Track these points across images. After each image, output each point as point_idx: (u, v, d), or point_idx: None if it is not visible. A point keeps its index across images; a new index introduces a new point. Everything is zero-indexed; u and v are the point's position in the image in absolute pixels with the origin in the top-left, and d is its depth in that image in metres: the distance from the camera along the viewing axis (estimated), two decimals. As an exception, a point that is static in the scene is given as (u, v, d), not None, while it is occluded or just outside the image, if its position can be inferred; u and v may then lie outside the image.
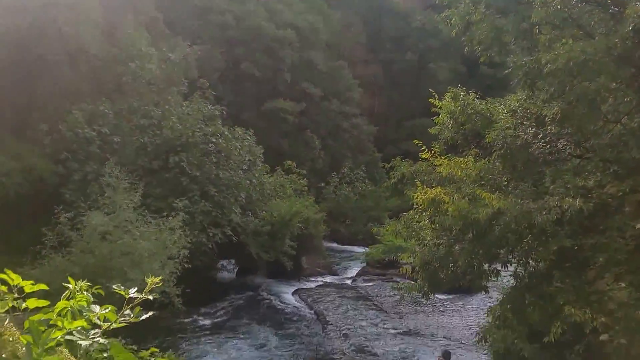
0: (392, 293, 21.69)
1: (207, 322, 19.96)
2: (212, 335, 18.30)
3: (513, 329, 10.64)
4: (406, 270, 11.96)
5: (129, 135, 22.33)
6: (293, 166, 34.47)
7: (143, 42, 24.82)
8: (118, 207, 16.65)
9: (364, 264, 30.45)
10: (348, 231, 40.12)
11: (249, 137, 26.66)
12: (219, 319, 20.31)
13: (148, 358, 3.10)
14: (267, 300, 22.83)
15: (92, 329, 2.18)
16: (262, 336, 18.31)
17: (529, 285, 10.54)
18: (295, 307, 22.22)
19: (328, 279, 28.40)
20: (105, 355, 2.10)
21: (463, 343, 17.63)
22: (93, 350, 2.10)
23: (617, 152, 10.05)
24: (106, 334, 2.17)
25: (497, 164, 11.08)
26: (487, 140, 11.04)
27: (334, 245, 37.67)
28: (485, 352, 12.53)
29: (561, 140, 10.55)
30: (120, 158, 20.98)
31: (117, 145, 21.56)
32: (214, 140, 23.68)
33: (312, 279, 28.11)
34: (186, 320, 19.42)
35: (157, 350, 3.10)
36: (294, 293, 24.74)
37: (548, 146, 10.56)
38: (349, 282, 27.90)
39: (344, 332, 18.47)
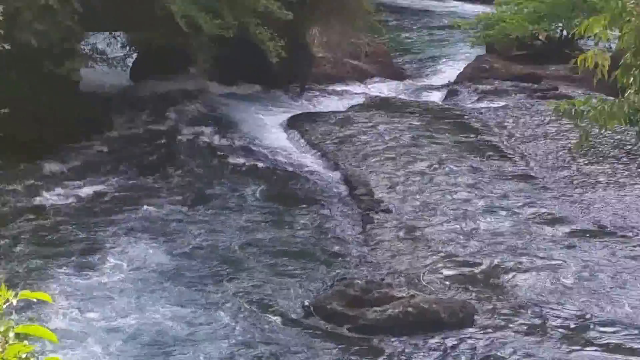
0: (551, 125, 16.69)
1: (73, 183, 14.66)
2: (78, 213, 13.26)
3: None
4: (591, 63, 7.79)
5: None
6: None
7: None
8: None
9: (478, 49, 23.00)
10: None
11: None
12: (97, 177, 14.91)
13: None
14: (213, 143, 16.34)
15: None
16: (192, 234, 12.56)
17: None
18: (290, 161, 16.30)
19: (383, 88, 19.92)
20: None
21: None
22: None
23: None
24: None
25: None
26: None
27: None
28: None
29: None
30: None
31: None
32: None
33: (339, 87, 19.78)
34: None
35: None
36: (288, 126, 18.04)
37: None
38: (436, 98, 20.43)
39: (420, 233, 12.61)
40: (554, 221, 12.61)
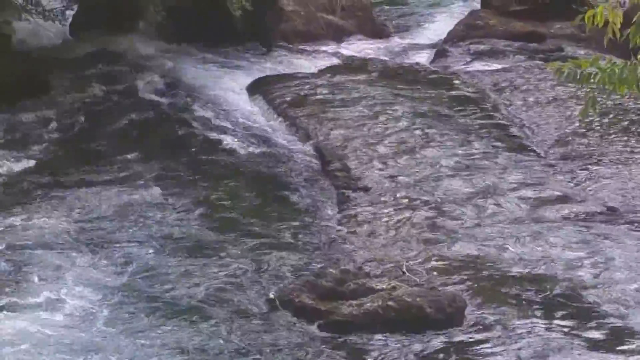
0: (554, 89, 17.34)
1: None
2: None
3: None
4: (601, 21, 7.88)
5: None
6: None
7: None
8: None
9: (471, 3, 24.24)
10: None
11: None
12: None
13: None
14: (164, 110, 16.99)
15: None
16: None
17: None
18: (255, 131, 16.45)
19: (362, 47, 20.93)
20: None
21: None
22: None
23: None
24: None
25: None
26: None
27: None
28: None
29: None
30: None
31: None
32: None
33: (311, 46, 20.63)
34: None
35: None
36: (252, 90, 18.18)
37: None
38: (423, 59, 21.04)
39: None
40: (557, 202, 12.88)
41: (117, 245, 11.73)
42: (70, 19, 20.38)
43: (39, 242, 11.61)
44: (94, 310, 10.16)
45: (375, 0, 25.45)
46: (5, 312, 9.98)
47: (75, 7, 20.38)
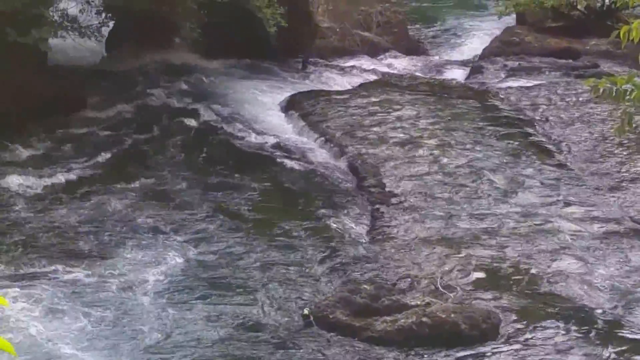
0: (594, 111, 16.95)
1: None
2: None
3: None
4: (637, 37, 7.76)
5: None
6: None
7: None
8: None
9: (507, 20, 23.29)
10: None
11: None
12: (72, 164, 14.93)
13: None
14: (200, 126, 16.74)
15: None
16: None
17: None
18: (290, 147, 16.17)
19: (397, 63, 20.65)
20: None
21: None
22: None
23: None
24: None
25: None
26: None
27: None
28: None
29: None
30: None
31: None
32: None
33: (346, 62, 20.54)
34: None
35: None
36: (287, 107, 17.92)
37: None
38: (458, 76, 20.81)
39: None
40: (591, 219, 12.59)
41: (157, 253, 11.89)
42: (106, 35, 20.27)
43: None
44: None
45: (410, 17, 25.33)
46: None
47: (111, 23, 20.37)
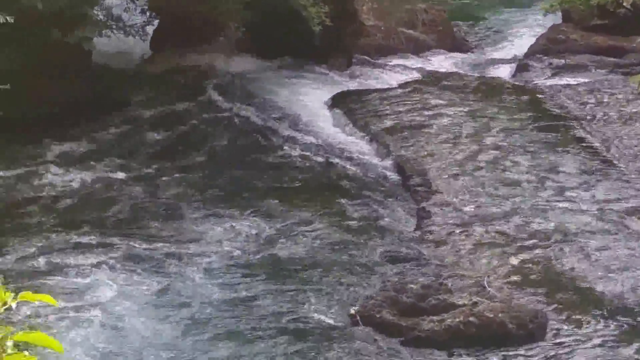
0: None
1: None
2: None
3: None
4: None
5: None
6: None
7: None
8: None
9: (552, 17, 22.22)
10: None
11: None
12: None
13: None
14: (245, 125, 16.68)
15: None
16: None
17: None
18: (335, 146, 16.24)
19: (442, 61, 20.42)
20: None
21: None
22: None
23: None
24: None
25: None
26: None
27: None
28: None
29: None
30: None
31: None
32: None
33: (391, 60, 20.22)
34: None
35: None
36: (332, 105, 17.95)
37: None
38: (504, 74, 20.56)
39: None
40: (639, 218, 12.54)
41: (201, 253, 11.93)
42: (150, 34, 20.36)
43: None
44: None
45: (454, 15, 25.22)
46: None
47: (156, 22, 20.50)
